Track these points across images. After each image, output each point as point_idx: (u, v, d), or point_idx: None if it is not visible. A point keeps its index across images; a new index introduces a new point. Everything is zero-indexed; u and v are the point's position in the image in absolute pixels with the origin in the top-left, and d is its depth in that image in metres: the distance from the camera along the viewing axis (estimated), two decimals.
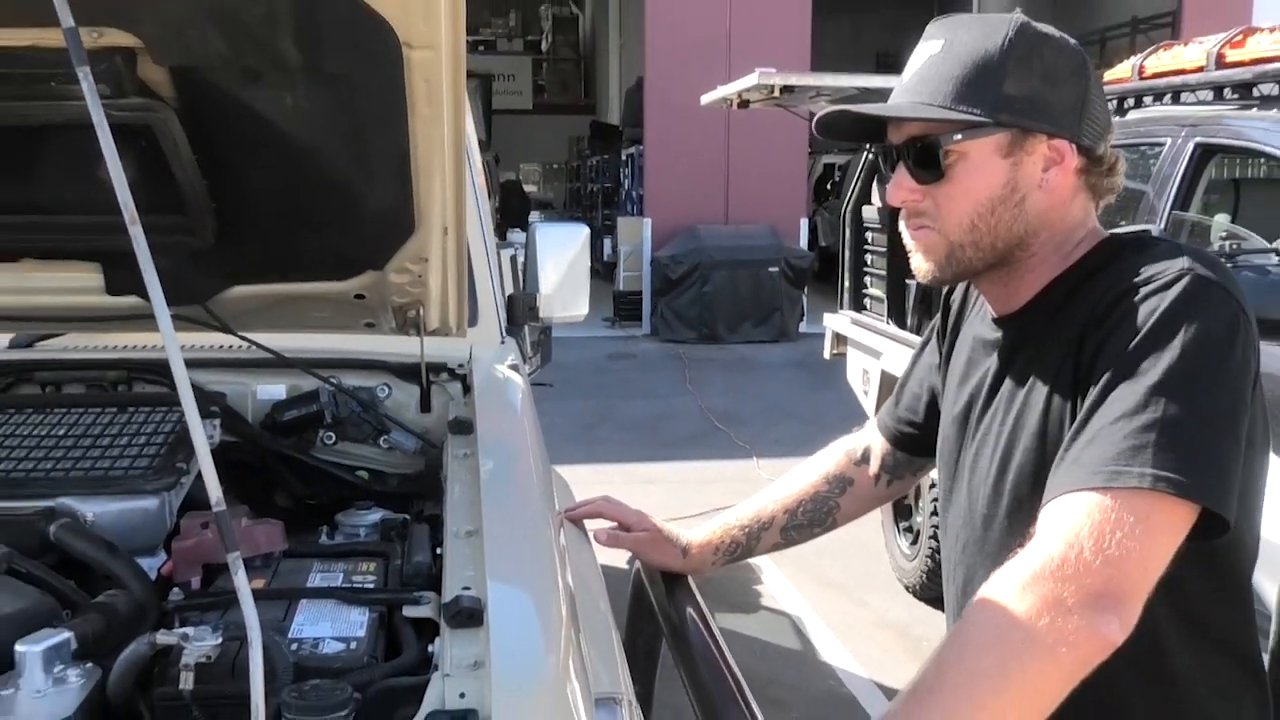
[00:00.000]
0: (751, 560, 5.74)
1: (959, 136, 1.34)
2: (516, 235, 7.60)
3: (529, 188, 23.22)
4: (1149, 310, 1.23)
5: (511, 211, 15.82)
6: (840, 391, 6.79)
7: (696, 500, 6.18)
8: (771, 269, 13.44)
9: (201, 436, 1.11)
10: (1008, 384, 1.42)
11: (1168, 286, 1.23)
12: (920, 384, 1.72)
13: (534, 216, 15.13)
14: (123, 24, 1.68)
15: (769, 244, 13.67)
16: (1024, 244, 1.38)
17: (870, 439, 1.83)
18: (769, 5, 14.30)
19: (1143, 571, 1.14)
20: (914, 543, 5.38)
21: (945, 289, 1.66)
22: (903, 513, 5.55)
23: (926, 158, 1.36)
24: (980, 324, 1.51)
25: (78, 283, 2.16)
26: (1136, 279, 1.26)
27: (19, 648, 1.25)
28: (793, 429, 8.67)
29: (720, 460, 7.71)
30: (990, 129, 1.33)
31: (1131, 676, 1.28)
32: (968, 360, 1.52)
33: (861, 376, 6.17)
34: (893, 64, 17.40)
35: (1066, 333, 1.31)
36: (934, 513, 4.98)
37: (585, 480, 2.65)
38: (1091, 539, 1.13)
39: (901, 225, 1.45)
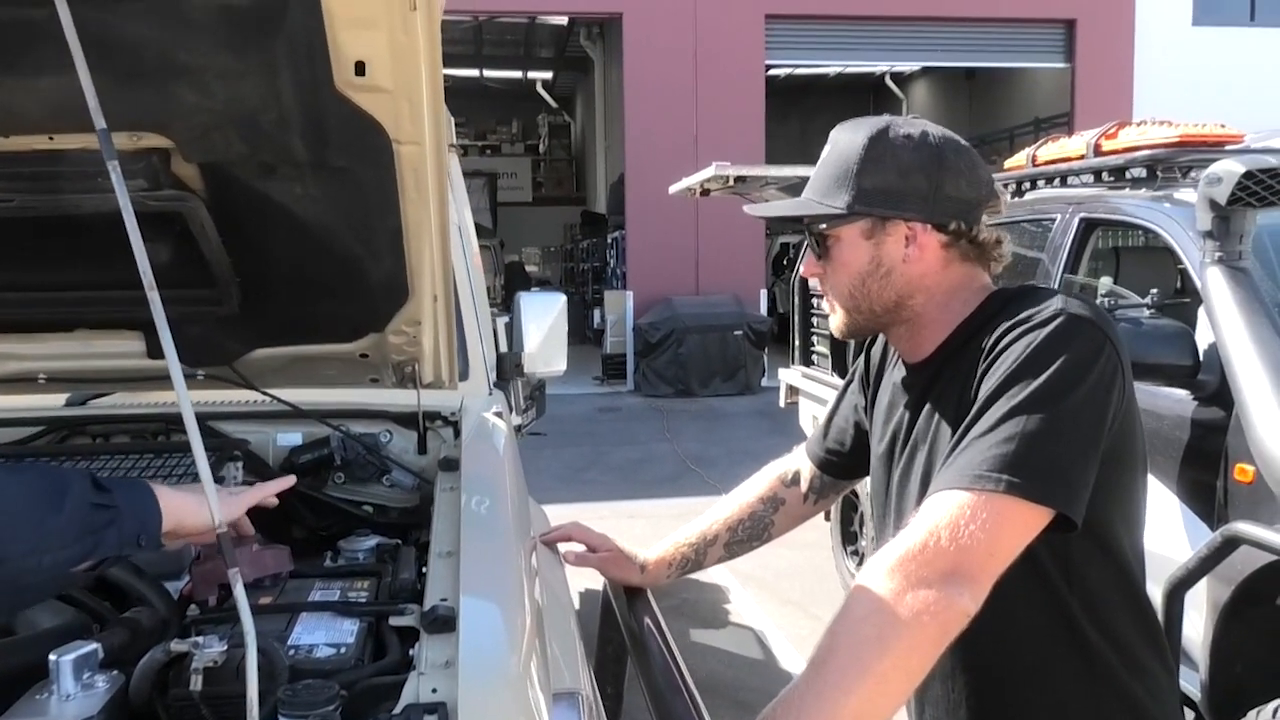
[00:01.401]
0: (720, 583, 5.75)
1: (824, 226, 1.42)
2: None
3: (530, 268, 23.31)
4: (1026, 343, 1.26)
5: (515, 287, 15.88)
6: (794, 434, 6.79)
7: (671, 532, 6.15)
8: (736, 332, 13.49)
9: (205, 466, 1.11)
10: (922, 420, 1.44)
11: (1044, 324, 1.27)
12: (846, 420, 1.75)
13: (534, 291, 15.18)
14: (158, 129, 1.71)
15: (734, 311, 13.74)
16: (901, 305, 1.43)
17: (799, 464, 1.85)
18: (729, 112, 14.52)
19: (989, 557, 1.17)
20: (859, 564, 5.37)
21: (865, 343, 1.70)
22: (849, 539, 5.54)
23: (816, 241, 1.44)
24: (898, 371, 1.54)
25: (123, 348, 2.16)
26: (1019, 318, 1.30)
27: (52, 657, 1.23)
28: (754, 468, 8.42)
29: (693, 497, 7.68)
30: (850, 218, 1.40)
31: (1057, 649, 1.34)
32: (889, 403, 1.55)
33: (811, 420, 6.20)
34: None
35: (966, 370, 1.34)
36: (873, 538, 4.96)
37: (576, 516, 2.63)
38: (949, 529, 1.17)
39: None
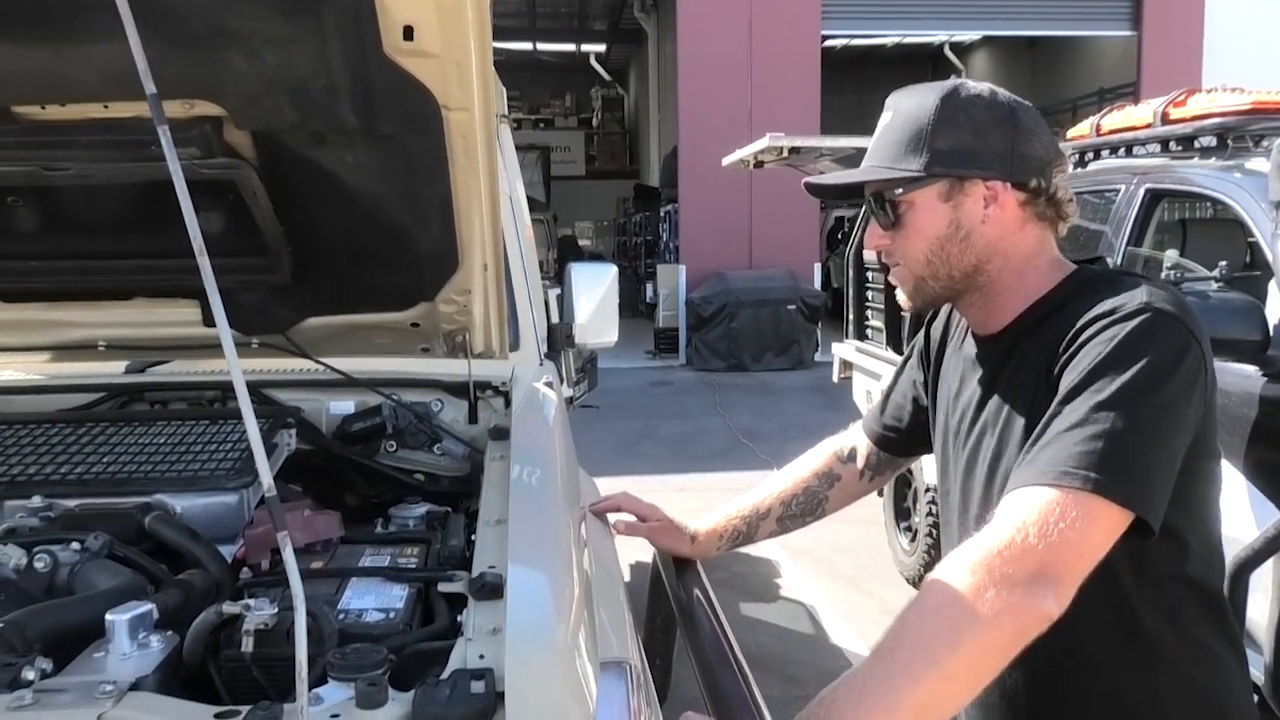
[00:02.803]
0: (771, 557, 5.73)
1: (900, 191, 1.37)
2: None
3: (583, 241, 23.34)
4: (1109, 337, 1.22)
5: (567, 260, 15.89)
6: (847, 410, 6.73)
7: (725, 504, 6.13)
8: (790, 307, 13.38)
9: (255, 431, 1.11)
10: (995, 398, 1.41)
11: (1129, 318, 1.23)
12: (904, 395, 1.71)
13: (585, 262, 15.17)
14: (210, 96, 1.71)
15: (787, 285, 13.62)
16: (979, 271, 1.39)
17: (855, 441, 1.82)
18: (784, 84, 14.34)
19: (1077, 558, 1.14)
20: (912, 540, 5.32)
21: (926, 318, 1.66)
22: (902, 515, 5.48)
23: (886, 210, 1.39)
24: (966, 346, 1.50)
25: (180, 316, 2.19)
26: (1103, 309, 1.25)
27: (109, 616, 1.25)
28: (807, 443, 8.37)
29: (745, 471, 7.65)
30: (927, 181, 1.35)
31: (1114, 639, 1.31)
32: (955, 379, 1.51)
33: (865, 396, 6.13)
34: None
35: (1043, 353, 1.31)
36: (929, 514, 4.91)
37: (627, 488, 2.63)
38: (1036, 527, 1.13)
39: None
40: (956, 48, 20.95)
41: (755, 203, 14.20)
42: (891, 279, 1.47)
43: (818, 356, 13.21)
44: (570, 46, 23.16)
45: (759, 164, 7.04)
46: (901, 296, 1.47)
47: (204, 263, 1.22)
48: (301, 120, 1.76)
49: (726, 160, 7.71)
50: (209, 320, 2.17)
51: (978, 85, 1.39)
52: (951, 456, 1.51)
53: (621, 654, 1.49)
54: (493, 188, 1.88)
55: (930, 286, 1.41)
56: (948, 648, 1.10)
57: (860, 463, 1.81)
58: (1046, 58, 19.34)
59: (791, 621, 5.06)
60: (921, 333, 1.66)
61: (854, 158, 5.85)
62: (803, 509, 1.85)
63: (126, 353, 2.32)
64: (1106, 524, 1.15)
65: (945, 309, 1.59)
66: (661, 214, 17.59)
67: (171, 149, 1.24)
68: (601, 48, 23.50)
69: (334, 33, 1.57)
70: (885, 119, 1.41)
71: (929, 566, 5.02)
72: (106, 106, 1.70)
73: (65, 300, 2.14)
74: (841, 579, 5.54)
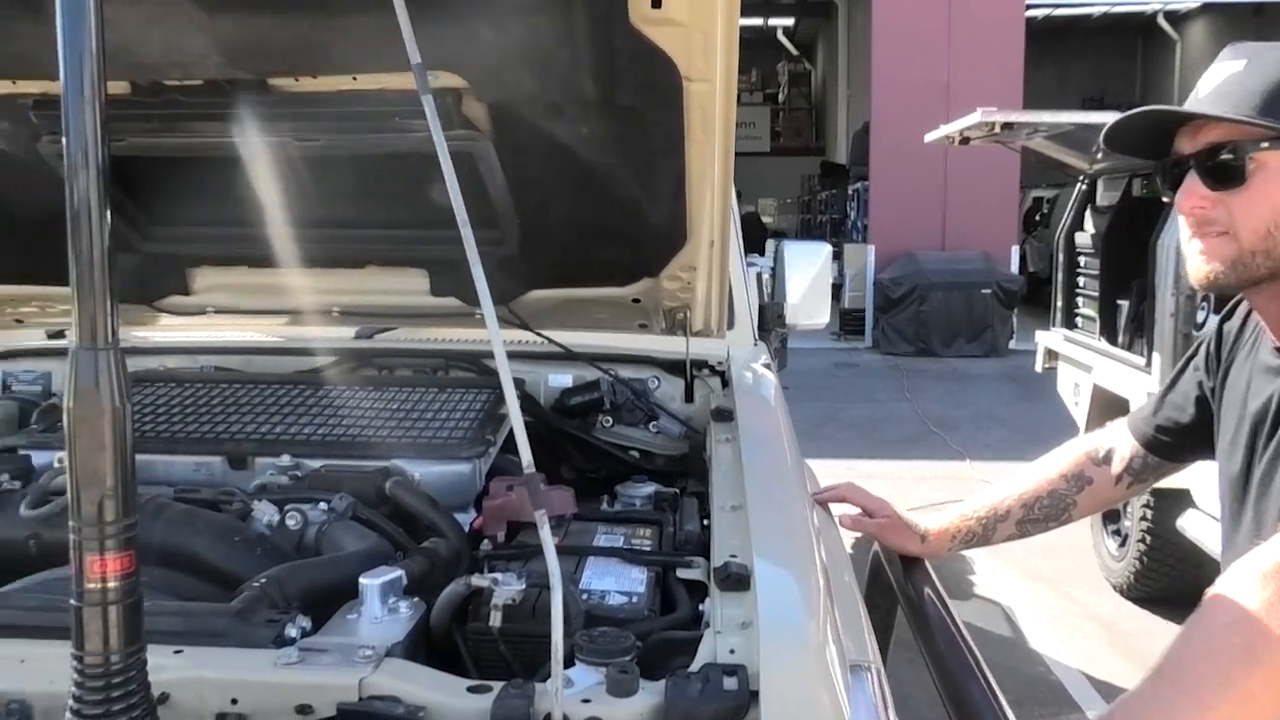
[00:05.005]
0: (965, 552, 5.51)
1: (1265, 145, 1.19)
2: (755, 259, 7.55)
3: (766, 219, 23.11)
4: None
5: (751, 239, 15.78)
6: (1049, 402, 6.40)
7: (912, 495, 5.94)
8: (984, 291, 12.86)
9: (517, 411, 1.10)
10: None
11: None
12: (1185, 396, 1.55)
13: (770, 243, 15.07)
14: (453, 68, 1.72)
15: (982, 268, 13.09)
16: None
17: (1115, 441, 1.67)
18: (984, 57, 13.72)
19: None
20: (1121, 545, 4.99)
21: (1220, 319, 1.50)
22: (1111, 516, 5.15)
23: (1224, 166, 1.22)
24: (1262, 353, 1.35)
25: (409, 286, 2.24)
26: None
27: (362, 580, 1.28)
28: (1002, 435, 8.24)
29: (934, 460, 7.41)
30: None
31: None
32: (1248, 384, 1.36)
33: (1072, 389, 5.79)
34: (1098, 107, 16.38)
35: None
36: (1144, 519, 4.61)
37: (814, 472, 2.59)
38: None
39: (1181, 233, 1.30)
40: (1172, 16, 19.55)
41: (950, 181, 13.68)
42: (1193, 250, 1.29)
43: (1013, 344, 12.66)
44: (757, 21, 22.86)
45: (964, 140, 6.72)
46: (1202, 269, 1.28)
47: (467, 234, 1.21)
48: (540, 91, 1.75)
49: (929, 137, 7.40)
50: (437, 289, 2.21)
51: None
52: (1240, 468, 1.36)
53: (860, 655, 1.42)
54: (726, 162, 1.83)
55: (1256, 264, 1.23)
56: (1243, 667, 0.99)
57: (1118, 466, 1.66)
58: (1275, 25, 17.78)
59: (986, 622, 4.85)
60: (1213, 330, 1.50)
61: (1073, 134, 5.50)
62: (1046, 513, 1.73)
63: (357, 319, 2.40)
64: None
65: (1243, 307, 1.43)
66: (849, 192, 17.21)
67: (435, 119, 1.24)
68: (789, 21, 23.10)
69: (581, 1, 1.55)
70: (1235, 68, 1.24)
71: (1140, 576, 4.74)
72: (355, 79, 1.73)
73: (304, 267, 2.22)
74: (1041, 580, 5.28)
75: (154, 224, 2.09)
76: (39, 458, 1.82)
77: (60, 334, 2.47)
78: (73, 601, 0.84)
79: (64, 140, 0.84)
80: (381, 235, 2.12)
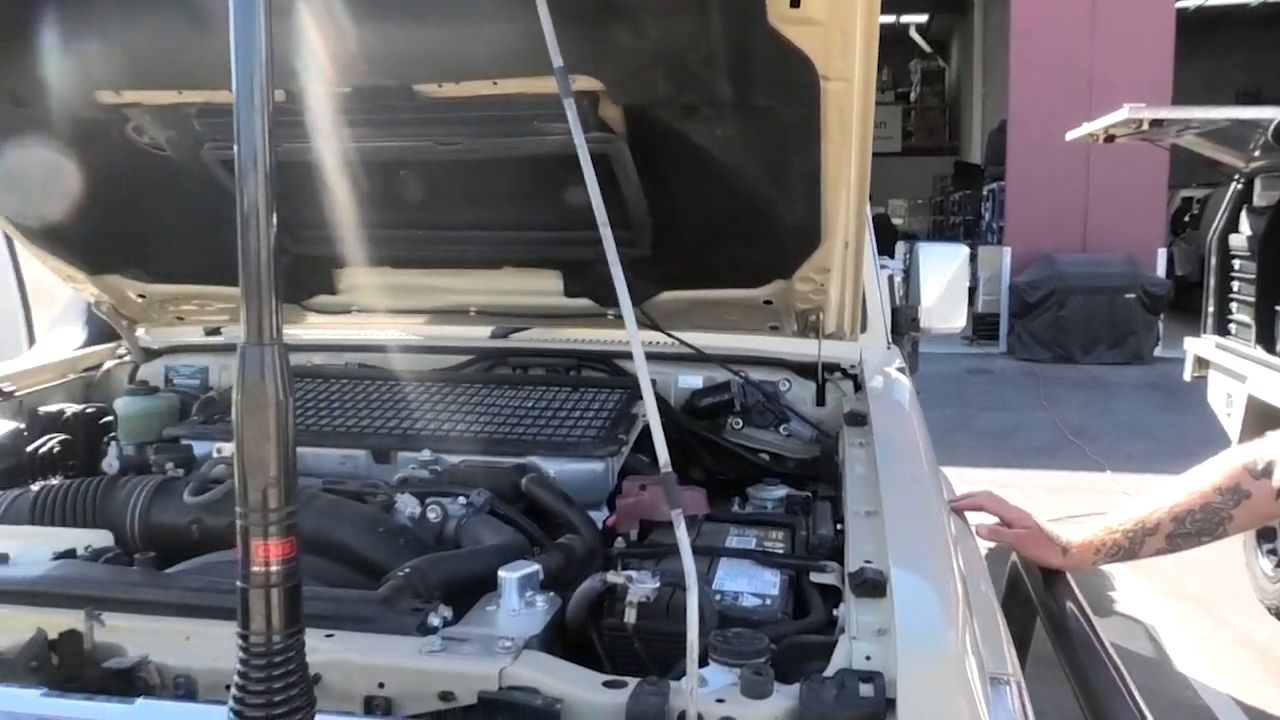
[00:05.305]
0: (1105, 567, 5.28)
1: None
2: (885, 262, 7.41)
3: (896, 221, 22.66)
4: None
5: (881, 241, 15.48)
6: (1197, 413, 6.08)
7: (1048, 506, 5.73)
8: (1128, 295, 12.30)
9: (655, 411, 1.11)
10: None
11: None
12: None
13: (900, 245, 14.79)
14: (590, 72, 1.74)
15: (1126, 271, 12.52)
16: None
17: (1275, 453, 1.58)
18: (1131, 48, 13.14)
19: None
20: (1278, 565, 4.71)
21: None
22: (1266, 534, 4.87)
23: None
24: None
25: (544, 286, 2.28)
26: None
27: (501, 573, 1.31)
28: (1147, 446, 7.87)
29: (1071, 471, 7.12)
30: None
31: None
32: None
33: (1224, 399, 5.49)
34: (1253, 102, 15.52)
35: None
36: None
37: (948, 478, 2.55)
38: None
39: None
40: None
41: (1092, 180, 13.15)
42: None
43: (1158, 351, 12.08)
44: (890, 17, 22.44)
45: (1109, 139, 6.45)
46: None
47: (606, 236, 1.23)
48: (676, 93, 1.76)
49: (1072, 135, 7.14)
50: (570, 290, 2.24)
51: None
52: None
53: (999, 667, 1.38)
54: (863, 162, 1.80)
55: None
56: None
57: (1279, 480, 1.58)
58: None
59: (1128, 640, 4.65)
60: None
61: (1228, 131, 5.22)
62: (1199, 527, 1.65)
63: (492, 319, 2.46)
64: None
65: None
66: (984, 192, 16.73)
67: (577, 121, 1.26)
68: (922, 18, 22.61)
69: (719, 2, 1.55)
70: None
71: None
72: (495, 84, 1.77)
73: (443, 267, 2.29)
74: (1188, 599, 5.02)
75: (303, 226, 2.18)
76: (199, 447, 1.92)
77: (216, 331, 2.61)
78: (238, 583, 0.88)
79: (235, 147, 0.88)
80: (517, 237, 2.17)
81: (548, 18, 1.30)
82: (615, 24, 1.63)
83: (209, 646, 1.13)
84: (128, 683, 1.13)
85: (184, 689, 1.14)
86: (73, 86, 1.80)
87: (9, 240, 4.78)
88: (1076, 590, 1.73)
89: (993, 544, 1.89)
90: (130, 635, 1.21)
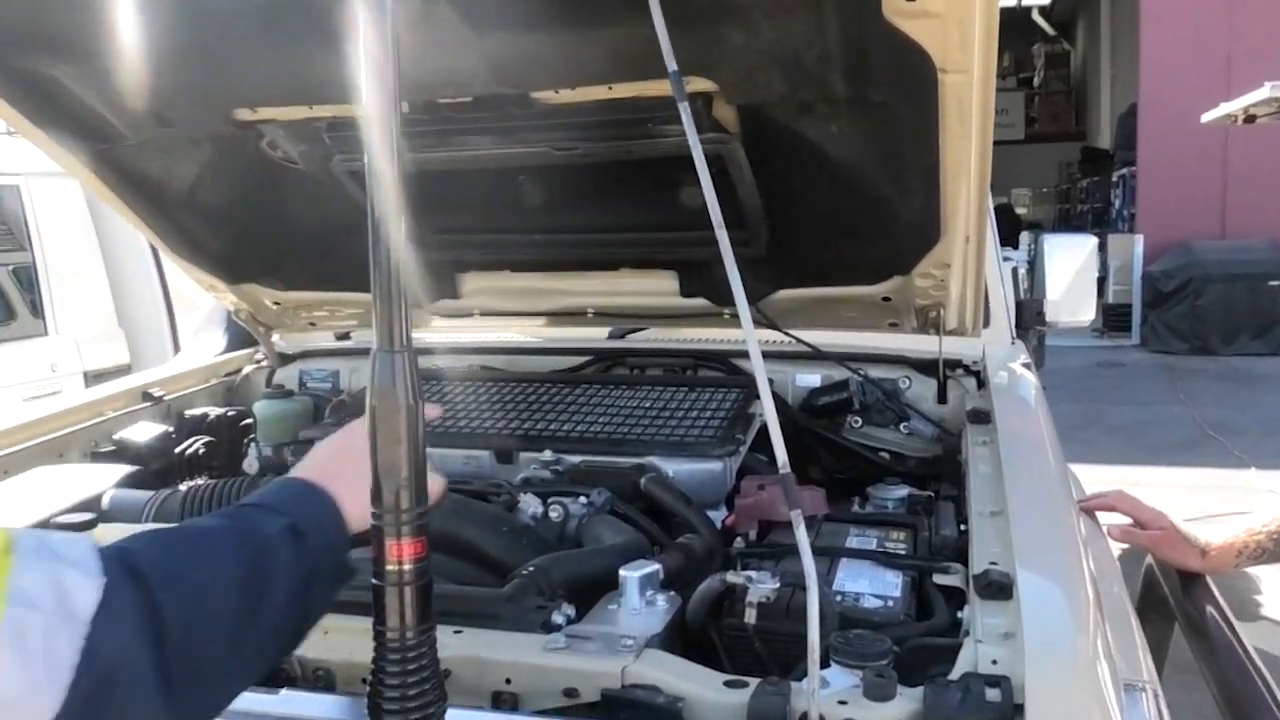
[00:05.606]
0: (1250, 569, 5.03)
1: None
2: (1009, 253, 7.20)
3: (1020, 210, 21.98)
4: None
5: (1004, 232, 15.05)
6: None
7: (1186, 505, 5.48)
8: (1272, 283, 11.63)
9: (773, 411, 1.11)
10: None
11: None
12: None
13: (1023, 236, 14.35)
14: (704, 73, 1.75)
15: (1271, 258, 11.86)
16: None
17: None
18: (1273, 22, 12.43)
19: None
20: None
21: None
22: None
23: None
24: None
25: (660, 287, 2.30)
26: None
27: (622, 572, 1.33)
28: None
29: (1212, 468, 6.79)
30: None
31: None
32: None
33: None
34: None
35: None
36: None
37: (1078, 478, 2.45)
38: None
39: None
40: None
41: (1231, 164, 12.50)
42: None
43: None
44: (1010, 1, 21.78)
45: (1249, 119, 6.15)
46: None
47: (722, 237, 1.24)
48: (790, 92, 1.75)
49: (1208, 116, 6.84)
50: (686, 290, 2.26)
51: None
52: None
53: (1133, 673, 1.34)
54: (983, 155, 1.76)
55: None
56: None
57: None
58: None
59: (1276, 647, 4.42)
60: None
61: None
62: None
63: (610, 320, 2.49)
64: None
65: None
66: (1114, 178, 16.08)
67: (691, 124, 1.27)
68: (1045, 0, 21.85)
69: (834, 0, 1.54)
70: None
71: None
72: (611, 89, 1.80)
73: (561, 270, 2.33)
74: None
75: (428, 233, 2.25)
76: None
77: (346, 335, 2.71)
78: (373, 581, 0.92)
79: (365, 158, 0.92)
80: (633, 238, 2.19)
81: (661, 22, 1.31)
82: (729, 25, 1.64)
83: (346, 641, 1.17)
84: (270, 674, 1.19)
85: (323, 680, 1.19)
86: (212, 106, 1.90)
87: (154, 252, 5.08)
88: (1217, 594, 1.66)
89: (1126, 546, 1.83)
90: None
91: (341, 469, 1.02)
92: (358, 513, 0.97)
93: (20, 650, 0.70)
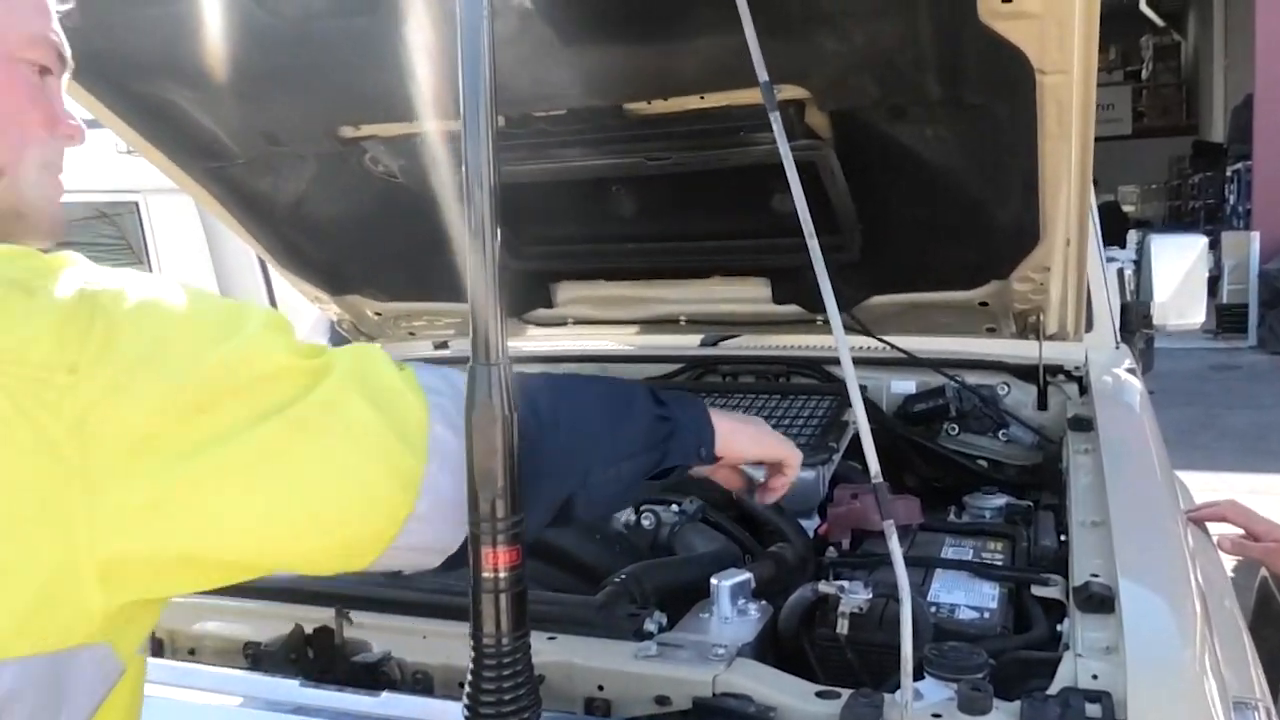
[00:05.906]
0: None
1: None
2: (1114, 253, 6.98)
3: (1127, 208, 21.26)
4: None
5: (1109, 231, 14.58)
6: None
7: None
8: None
9: (864, 419, 1.10)
10: None
11: None
12: None
13: (1131, 234, 13.88)
14: (796, 80, 1.75)
15: None
16: None
17: None
18: None
19: None
20: None
21: None
22: None
23: None
24: None
25: (751, 294, 2.30)
26: None
27: (714, 581, 1.33)
28: None
29: None
30: None
31: None
32: None
33: None
34: None
35: None
36: None
37: (1186, 486, 2.35)
38: None
39: None
40: None
41: None
42: None
43: None
44: None
45: None
46: None
47: (813, 244, 1.24)
48: (883, 96, 1.74)
49: None
50: (778, 297, 2.25)
51: None
52: None
53: (1244, 690, 1.29)
54: (1084, 156, 1.72)
55: None
56: None
57: None
58: None
59: None
60: None
61: None
62: None
63: (702, 327, 2.49)
64: None
65: None
66: (1228, 174, 15.45)
67: (783, 135, 1.27)
68: None
69: (927, 2, 1.52)
70: None
71: None
72: (702, 98, 1.80)
73: (653, 278, 2.35)
74: None
75: (523, 244, 2.29)
76: None
77: (444, 344, 2.77)
78: (470, 588, 0.95)
79: (463, 171, 0.94)
80: (725, 246, 2.19)
81: (752, 32, 1.31)
82: (820, 31, 1.63)
83: (444, 645, 1.21)
84: (373, 676, 1.23)
85: (422, 684, 1.23)
86: (318, 125, 1.97)
87: (263, 265, 5.27)
88: None
89: (1239, 559, 1.76)
90: (375, 632, 1.31)
91: (726, 416, 1.22)
92: (727, 431, 1.19)
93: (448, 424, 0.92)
